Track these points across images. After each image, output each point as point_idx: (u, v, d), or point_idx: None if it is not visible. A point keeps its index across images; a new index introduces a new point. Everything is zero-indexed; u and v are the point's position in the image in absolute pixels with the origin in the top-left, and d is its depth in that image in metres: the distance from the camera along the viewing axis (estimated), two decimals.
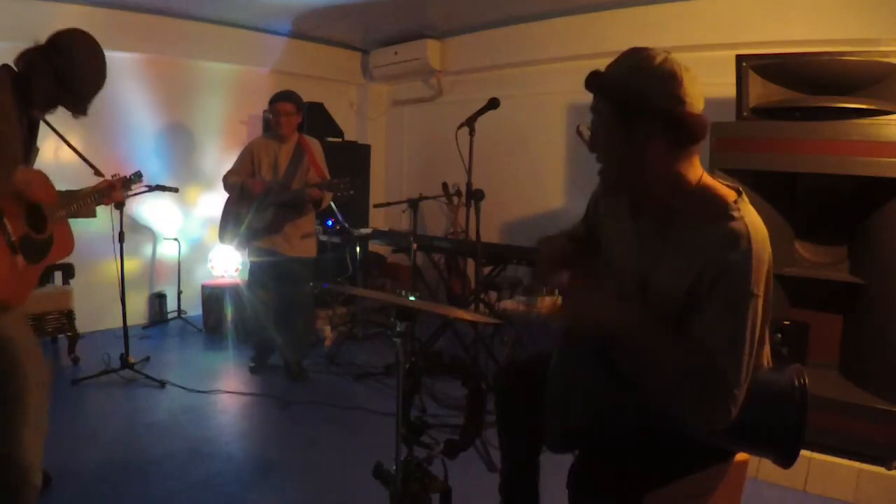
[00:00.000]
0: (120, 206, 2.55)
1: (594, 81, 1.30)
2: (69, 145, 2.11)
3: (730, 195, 1.26)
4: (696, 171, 1.30)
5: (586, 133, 1.37)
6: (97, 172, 2.23)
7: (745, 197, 1.27)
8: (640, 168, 1.27)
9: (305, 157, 3.52)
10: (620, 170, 1.32)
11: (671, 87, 1.22)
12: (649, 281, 1.32)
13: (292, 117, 3.48)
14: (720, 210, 1.23)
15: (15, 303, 1.76)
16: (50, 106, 1.84)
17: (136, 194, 3.42)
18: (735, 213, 1.21)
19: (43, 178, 1.87)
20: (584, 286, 1.42)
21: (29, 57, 1.77)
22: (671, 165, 1.27)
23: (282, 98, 3.46)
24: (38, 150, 1.91)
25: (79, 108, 1.88)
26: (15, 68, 1.77)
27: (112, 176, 2.28)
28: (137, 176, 2.45)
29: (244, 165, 3.59)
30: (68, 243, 2.00)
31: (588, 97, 1.35)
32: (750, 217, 1.22)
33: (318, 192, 3.37)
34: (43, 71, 1.76)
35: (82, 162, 2.21)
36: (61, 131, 1.98)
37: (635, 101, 1.23)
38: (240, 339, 4.40)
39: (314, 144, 3.58)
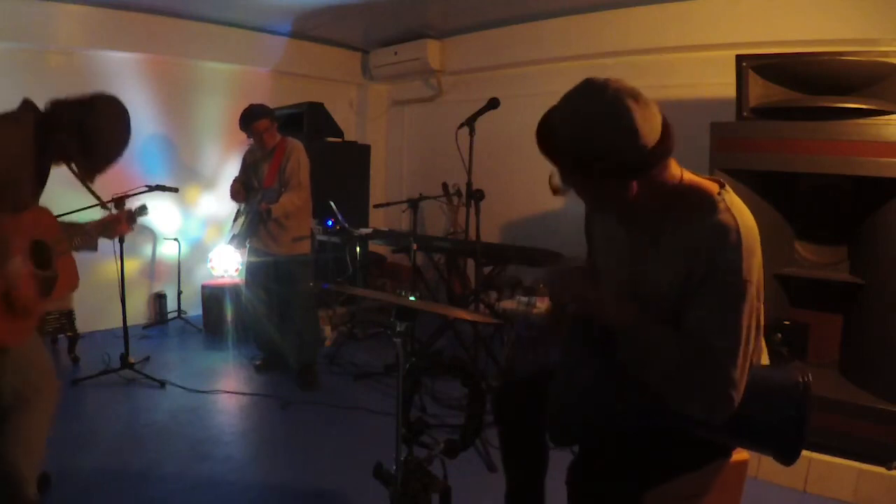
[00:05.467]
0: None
1: (548, 151, 1.24)
2: (79, 178, 2.09)
3: (713, 188, 1.27)
4: (675, 171, 1.29)
5: (556, 181, 1.31)
6: (103, 206, 2.21)
7: (728, 188, 1.28)
8: (622, 202, 1.26)
9: (272, 159, 3.55)
10: (602, 203, 1.34)
11: (630, 141, 1.16)
12: (645, 284, 1.32)
13: (271, 130, 3.53)
14: (706, 204, 1.24)
15: (16, 345, 1.72)
16: (62, 161, 1.81)
17: (136, 194, 3.44)
18: (721, 205, 1.22)
19: (45, 214, 1.84)
20: (583, 285, 1.42)
21: (62, 108, 1.75)
22: (649, 179, 1.25)
23: (253, 118, 3.47)
24: (45, 185, 1.86)
25: (88, 173, 1.84)
26: (43, 109, 1.75)
27: (112, 197, 2.24)
28: (143, 210, 2.42)
29: (240, 173, 3.76)
30: (73, 278, 1.95)
31: None
32: (736, 207, 1.23)
33: (265, 205, 3.45)
34: (69, 125, 1.73)
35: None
36: None
37: (599, 166, 1.19)
38: (240, 339, 4.41)
39: (291, 148, 3.56)
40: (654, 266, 1.30)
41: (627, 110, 1.15)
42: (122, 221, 2.14)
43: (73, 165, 1.83)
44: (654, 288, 1.30)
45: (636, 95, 1.17)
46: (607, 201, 1.31)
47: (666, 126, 1.21)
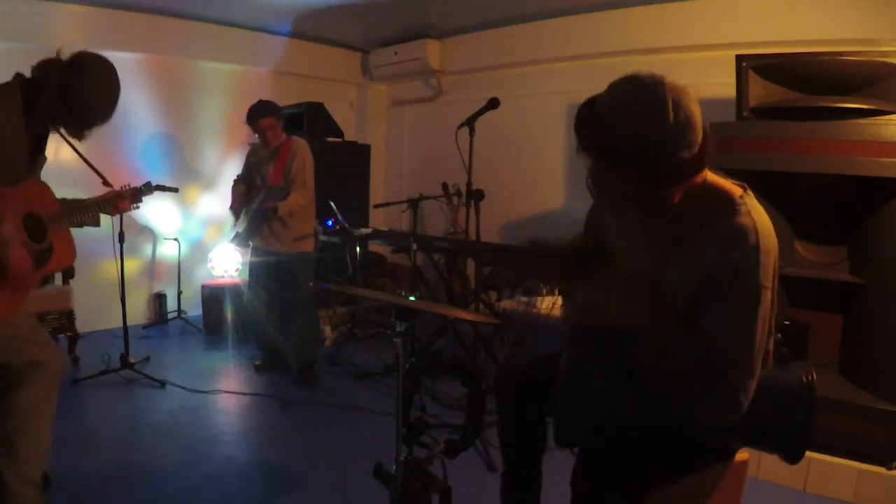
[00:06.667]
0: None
1: (598, 149, 1.20)
2: (79, 154, 2.09)
3: (735, 191, 1.26)
4: (702, 172, 1.29)
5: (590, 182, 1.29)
6: (105, 182, 2.20)
7: (750, 192, 1.27)
8: (664, 207, 1.25)
9: (278, 158, 3.56)
10: (635, 205, 1.30)
11: (691, 139, 1.14)
12: (658, 280, 1.31)
13: (276, 129, 3.52)
14: (727, 206, 1.23)
15: (5, 316, 1.71)
16: (48, 119, 1.80)
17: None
18: (741, 209, 1.22)
19: (44, 189, 1.84)
20: (593, 282, 1.41)
21: (46, 67, 1.75)
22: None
23: (260, 114, 3.45)
24: (45, 159, 1.88)
25: (75, 130, 1.83)
26: (30, 74, 1.75)
27: (122, 187, 2.25)
28: (148, 187, 2.41)
29: (243, 172, 3.75)
30: (69, 253, 1.95)
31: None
32: (756, 211, 1.22)
33: (272, 203, 3.44)
34: (53, 83, 1.73)
35: (82, 163, 2.19)
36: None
37: (657, 166, 1.15)
38: (240, 339, 4.41)
39: (297, 147, 3.55)
40: (670, 264, 1.29)
41: (692, 113, 1.13)
42: (124, 197, 2.14)
43: (62, 128, 1.82)
44: (668, 286, 1.29)
45: (683, 99, 1.13)
46: (655, 206, 1.26)
47: (706, 135, 1.18)
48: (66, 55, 1.78)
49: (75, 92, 1.75)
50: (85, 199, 2.04)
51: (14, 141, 1.71)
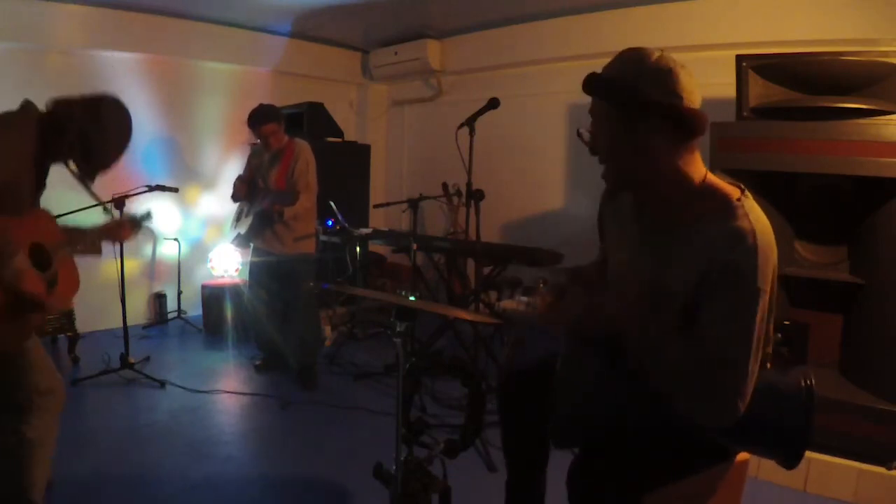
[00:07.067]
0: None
1: (591, 83, 1.31)
2: (82, 183, 2.09)
3: (733, 193, 1.27)
4: (700, 169, 1.30)
5: (586, 135, 1.36)
6: (105, 209, 2.20)
7: (748, 194, 1.27)
8: (644, 165, 1.28)
9: (281, 162, 3.55)
10: (625, 169, 1.32)
11: (667, 83, 1.23)
12: (657, 282, 1.31)
13: (278, 133, 3.51)
14: (725, 208, 1.23)
15: (16, 345, 1.73)
16: (62, 160, 1.81)
17: (136, 194, 3.44)
18: (739, 211, 1.22)
19: (47, 218, 1.84)
20: (581, 291, 1.43)
21: (65, 108, 1.76)
22: (674, 162, 1.27)
23: (262, 121, 3.44)
24: (45, 186, 1.88)
25: (86, 173, 1.85)
26: (44, 108, 1.76)
27: (113, 197, 2.23)
28: (147, 216, 2.42)
29: (245, 173, 3.73)
30: (74, 282, 1.95)
31: (588, 97, 1.35)
32: (755, 214, 1.22)
33: (278, 206, 3.45)
34: (72, 128, 1.73)
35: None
36: None
37: (633, 98, 1.24)
38: (240, 339, 4.41)
39: (300, 150, 3.54)
40: (668, 264, 1.29)
41: (673, 66, 1.25)
42: (124, 226, 2.14)
43: (72, 166, 1.83)
44: (665, 286, 1.29)
45: (683, 64, 1.27)
46: (635, 159, 1.29)
47: (701, 112, 1.26)
48: (85, 97, 1.78)
49: (93, 142, 1.76)
50: (86, 229, 2.03)
51: (24, 178, 1.71)
